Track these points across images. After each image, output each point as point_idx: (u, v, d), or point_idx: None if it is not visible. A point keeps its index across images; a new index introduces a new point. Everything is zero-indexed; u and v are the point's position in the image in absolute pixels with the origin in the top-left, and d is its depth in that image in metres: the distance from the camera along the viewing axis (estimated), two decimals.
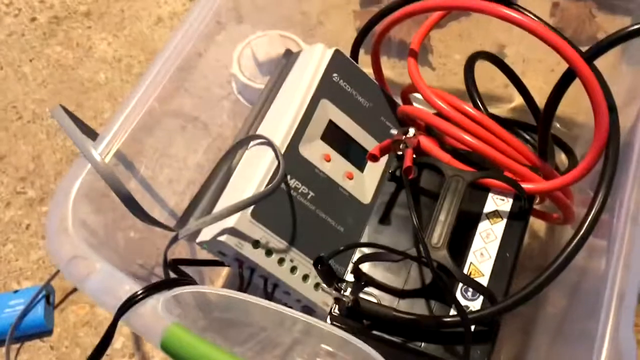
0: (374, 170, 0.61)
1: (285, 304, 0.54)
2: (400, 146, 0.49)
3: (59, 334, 0.63)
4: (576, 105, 0.56)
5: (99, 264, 0.39)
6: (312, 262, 0.54)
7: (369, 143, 0.61)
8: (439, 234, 0.45)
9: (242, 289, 0.54)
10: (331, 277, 0.43)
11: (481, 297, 0.46)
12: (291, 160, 0.56)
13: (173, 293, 0.36)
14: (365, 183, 0.60)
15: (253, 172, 0.55)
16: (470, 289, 0.46)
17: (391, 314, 0.44)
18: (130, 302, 0.36)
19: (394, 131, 0.54)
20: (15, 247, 0.68)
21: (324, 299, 0.55)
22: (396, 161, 0.53)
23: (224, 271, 0.60)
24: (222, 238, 0.52)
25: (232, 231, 0.52)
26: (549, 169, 0.54)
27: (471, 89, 0.64)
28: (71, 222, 0.40)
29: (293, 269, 0.54)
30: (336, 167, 0.59)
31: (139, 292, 0.36)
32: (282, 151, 0.56)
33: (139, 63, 0.87)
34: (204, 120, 0.76)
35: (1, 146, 0.75)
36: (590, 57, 0.46)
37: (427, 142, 0.51)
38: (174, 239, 0.53)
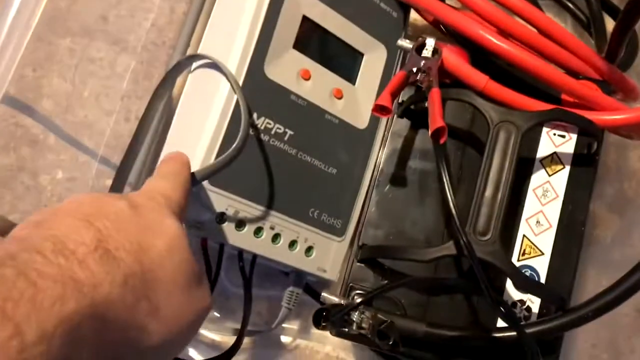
0: (370, 78, 0.44)
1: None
2: (418, 76, 0.33)
3: None
4: None
5: None
6: (299, 222, 0.41)
7: (360, 40, 0.44)
8: (486, 218, 0.31)
9: (210, 277, 0.41)
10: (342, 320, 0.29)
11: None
12: (256, 89, 0.39)
13: None
14: (359, 99, 0.44)
15: (203, 117, 0.38)
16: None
17: (423, 329, 0.31)
18: None
19: (403, 43, 0.36)
20: None
21: (319, 264, 0.43)
22: (413, 91, 0.36)
23: None
24: None
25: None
26: (618, 77, 0.38)
27: None
28: None
29: (275, 237, 0.41)
30: (319, 85, 0.42)
31: None
32: (242, 79, 0.39)
33: None
34: (129, 5, 0.56)
35: None
36: None
37: (453, 60, 0.34)
38: None
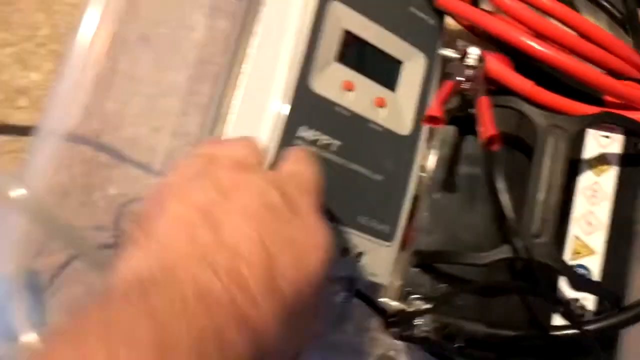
0: (410, 85, 0.45)
1: None
2: (465, 85, 0.34)
3: None
4: None
5: None
6: (350, 230, 0.42)
7: (399, 48, 0.45)
8: (539, 220, 0.31)
9: None
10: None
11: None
12: (303, 103, 0.41)
13: None
14: (401, 107, 0.45)
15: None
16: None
17: (483, 330, 0.32)
18: None
19: (446, 52, 0.37)
20: None
21: (370, 269, 0.44)
22: (460, 98, 0.37)
23: None
24: None
25: None
26: None
27: None
28: None
29: None
30: (362, 95, 0.43)
31: None
32: (291, 94, 0.40)
33: None
34: (171, 23, 0.58)
35: None
36: None
37: (496, 67, 0.35)
38: None
